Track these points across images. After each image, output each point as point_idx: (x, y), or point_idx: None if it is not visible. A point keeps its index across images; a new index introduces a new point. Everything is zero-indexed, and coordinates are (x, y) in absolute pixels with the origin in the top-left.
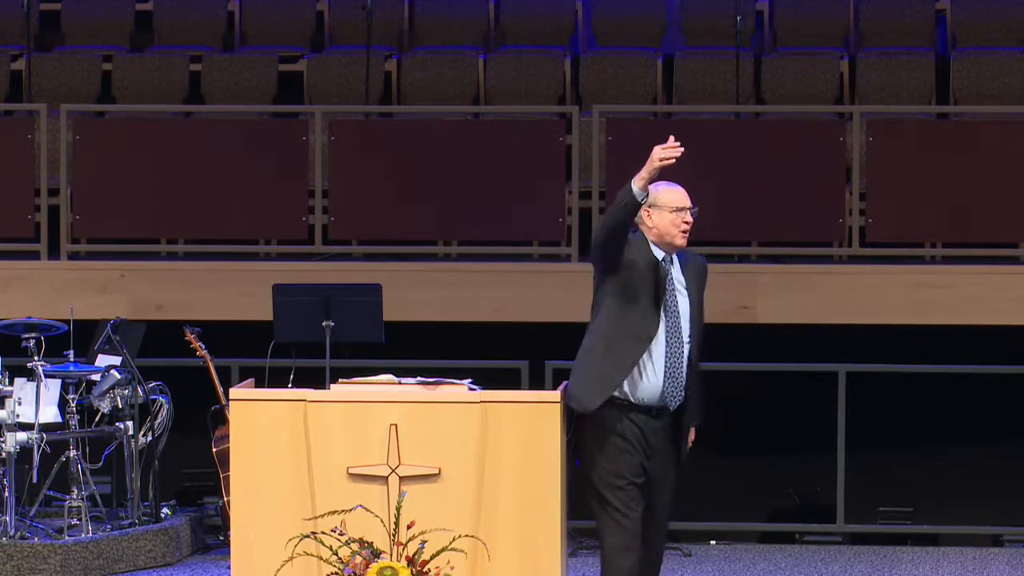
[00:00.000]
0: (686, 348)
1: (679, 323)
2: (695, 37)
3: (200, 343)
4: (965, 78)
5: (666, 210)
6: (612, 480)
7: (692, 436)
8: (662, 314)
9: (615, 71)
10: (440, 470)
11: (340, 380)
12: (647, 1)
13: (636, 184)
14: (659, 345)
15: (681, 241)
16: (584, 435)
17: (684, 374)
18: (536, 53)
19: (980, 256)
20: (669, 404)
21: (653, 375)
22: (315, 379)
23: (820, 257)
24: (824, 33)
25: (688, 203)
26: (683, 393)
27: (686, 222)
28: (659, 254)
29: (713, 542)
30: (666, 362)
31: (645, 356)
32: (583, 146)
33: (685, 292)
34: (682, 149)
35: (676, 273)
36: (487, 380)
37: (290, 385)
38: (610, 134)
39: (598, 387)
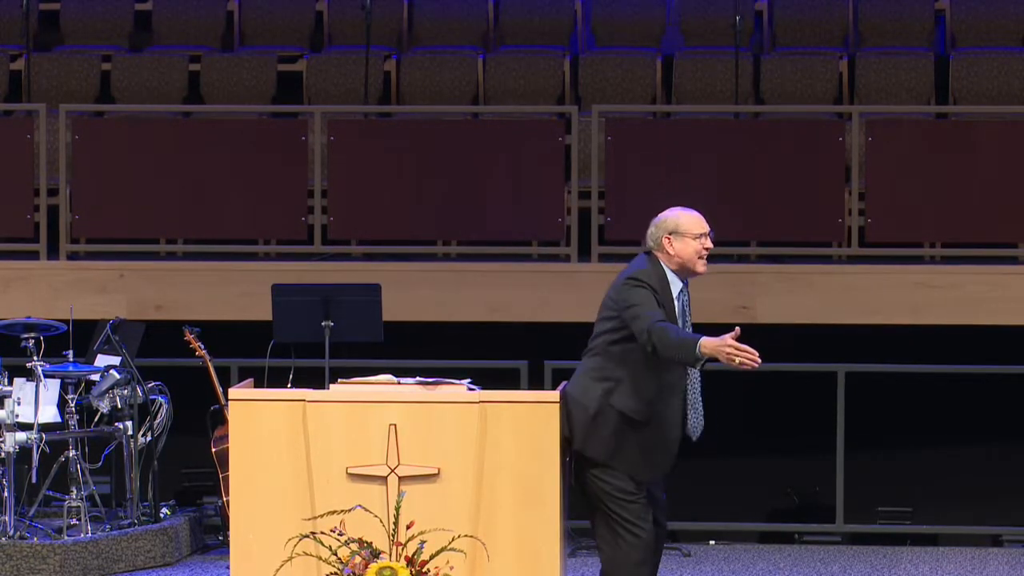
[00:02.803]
0: (698, 375)
1: None
2: (694, 37)
3: (199, 343)
4: (964, 78)
5: (689, 237)
6: (622, 496)
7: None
8: None
9: (614, 71)
10: (439, 470)
11: (339, 380)
12: (646, 1)
13: (702, 351)
14: (688, 379)
15: (703, 268)
16: (589, 457)
17: (700, 401)
18: (535, 53)
19: (980, 256)
20: (694, 434)
21: (690, 408)
22: (314, 379)
23: (819, 257)
24: (823, 33)
25: (707, 227)
26: (703, 419)
27: (707, 248)
28: (676, 285)
29: (713, 542)
30: (689, 395)
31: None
32: (582, 146)
33: (690, 315)
34: (759, 363)
35: (687, 299)
36: (486, 380)
37: (289, 385)
38: (609, 134)
39: (658, 462)
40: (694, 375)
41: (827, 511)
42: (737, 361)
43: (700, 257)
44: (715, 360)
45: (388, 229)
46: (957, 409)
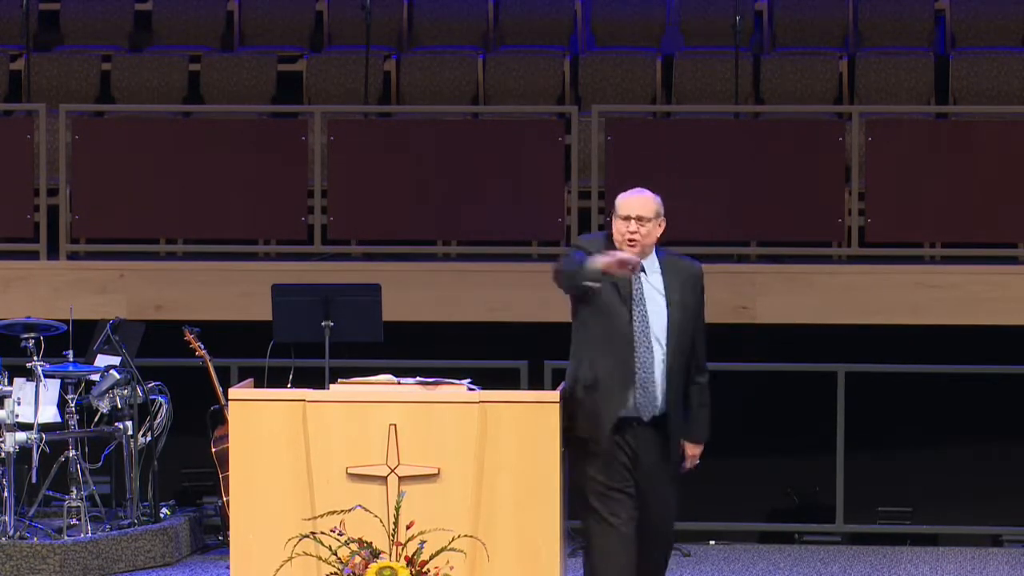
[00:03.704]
0: (658, 356)
1: (648, 332)
2: (694, 37)
3: (199, 343)
4: (964, 78)
5: (619, 217)
6: (597, 488)
7: (692, 452)
8: (633, 324)
9: (614, 71)
10: (439, 470)
11: (339, 380)
12: (646, 1)
13: (593, 265)
14: (635, 358)
15: (626, 252)
16: (574, 444)
17: (658, 384)
18: (535, 53)
19: (980, 256)
20: (642, 414)
21: (638, 386)
22: (314, 379)
23: (819, 257)
24: (823, 33)
25: (635, 213)
26: (659, 403)
27: (631, 232)
28: None
29: (713, 542)
30: (637, 372)
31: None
32: (582, 146)
33: (663, 299)
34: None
35: (653, 280)
36: (486, 380)
37: (289, 385)
38: (609, 134)
39: (605, 417)
40: (655, 355)
41: (827, 511)
42: (618, 267)
43: (623, 239)
44: (610, 278)
45: (388, 229)
46: (957, 409)
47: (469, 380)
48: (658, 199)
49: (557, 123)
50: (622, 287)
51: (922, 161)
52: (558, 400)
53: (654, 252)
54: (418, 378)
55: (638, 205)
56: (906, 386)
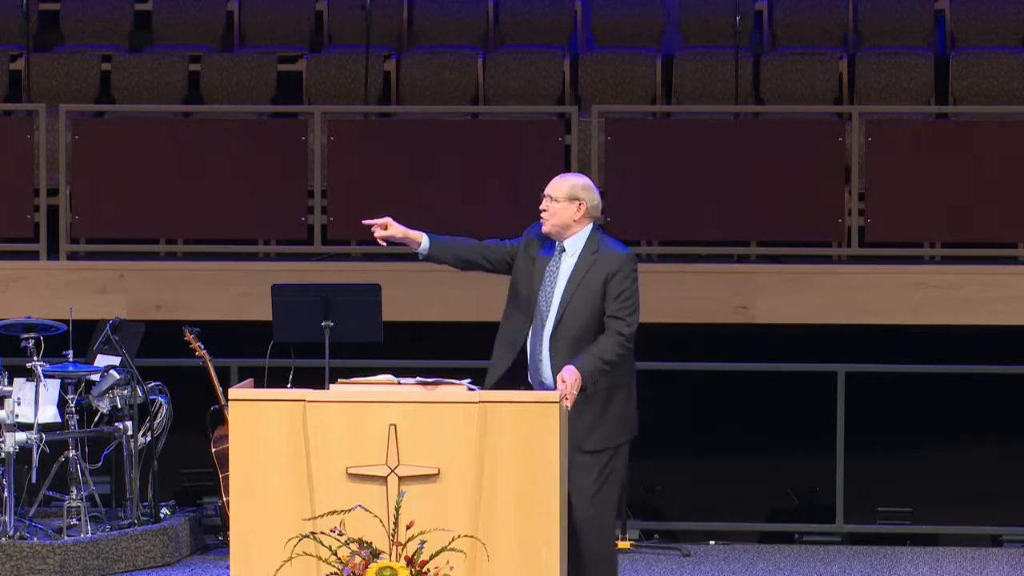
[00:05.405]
0: (547, 334)
1: (542, 307)
2: (694, 37)
3: (199, 343)
4: (964, 78)
5: None
6: None
7: (560, 378)
8: (538, 298)
9: (614, 71)
10: (439, 470)
11: (339, 380)
12: (646, 1)
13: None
14: (532, 331)
15: (544, 226)
16: None
17: (543, 359)
18: (535, 53)
19: (979, 256)
20: (532, 382)
21: (529, 358)
22: (314, 379)
23: (819, 257)
24: (823, 33)
25: (545, 192)
26: (547, 378)
27: (542, 208)
28: (549, 245)
29: (712, 542)
30: (531, 347)
31: (526, 340)
32: (582, 146)
33: (567, 280)
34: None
35: (569, 261)
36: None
37: (289, 385)
38: (609, 134)
39: (489, 375)
40: (546, 331)
41: (827, 511)
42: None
43: (542, 215)
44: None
45: None
46: (957, 409)
47: (469, 380)
48: (580, 185)
49: (557, 123)
50: (539, 265)
51: (922, 161)
52: (558, 400)
53: (583, 235)
54: (418, 378)
55: (550, 185)
56: (906, 386)
